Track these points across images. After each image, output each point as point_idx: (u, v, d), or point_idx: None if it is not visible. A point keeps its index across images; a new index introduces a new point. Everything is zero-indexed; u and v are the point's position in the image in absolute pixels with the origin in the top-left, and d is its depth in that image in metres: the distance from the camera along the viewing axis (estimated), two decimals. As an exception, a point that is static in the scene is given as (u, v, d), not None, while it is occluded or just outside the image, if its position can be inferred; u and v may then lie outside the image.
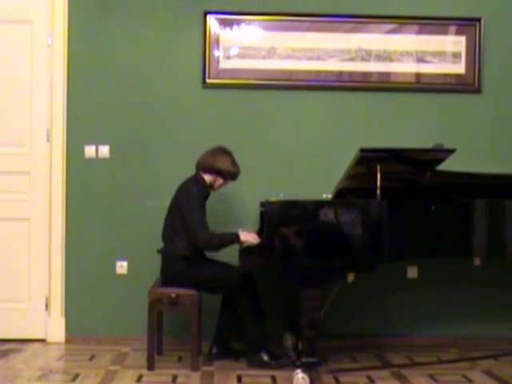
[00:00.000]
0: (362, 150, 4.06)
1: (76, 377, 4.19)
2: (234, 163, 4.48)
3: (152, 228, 4.75)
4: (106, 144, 4.98)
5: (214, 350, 4.56)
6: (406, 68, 5.07)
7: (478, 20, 5.06)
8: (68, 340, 4.95)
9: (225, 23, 5.00)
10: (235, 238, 4.31)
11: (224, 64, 5.01)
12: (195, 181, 4.46)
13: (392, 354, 4.78)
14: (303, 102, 5.05)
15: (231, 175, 4.49)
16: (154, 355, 4.37)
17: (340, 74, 5.05)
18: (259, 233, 4.47)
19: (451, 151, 4.25)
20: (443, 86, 5.09)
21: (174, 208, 4.45)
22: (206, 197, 4.49)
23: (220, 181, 4.49)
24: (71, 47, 4.95)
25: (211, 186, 4.51)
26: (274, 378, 4.20)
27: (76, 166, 4.97)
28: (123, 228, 4.98)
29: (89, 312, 4.97)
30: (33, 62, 4.95)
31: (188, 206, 4.34)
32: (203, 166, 4.48)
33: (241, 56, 5.01)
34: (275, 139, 5.04)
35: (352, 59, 5.04)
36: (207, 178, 4.48)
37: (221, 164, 4.44)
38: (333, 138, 5.05)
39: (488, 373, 4.41)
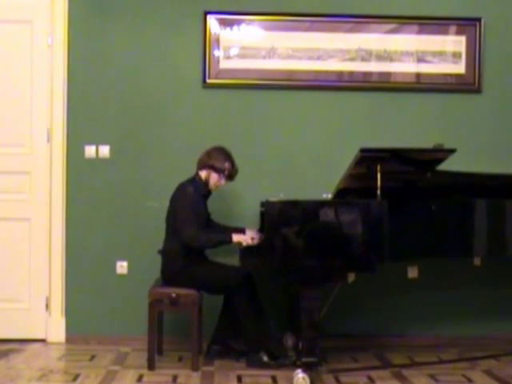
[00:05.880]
0: (363, 150, 4.06)
1: (76, 377, 4.19)
2: (228, 160, 4.49)
3: (152, 228, 4.76)
4: (106, 144, 4.98)
5: (214, 348, 4.55)
6: (406, 68, 5.06)
7: (478, 20, 5.05)
8: (68, 340, 4.95)
9: (225, 23, 4.99)
10: (227, 238, 4.33)
11: (224, 64, 5.00)
12: (192, 181, 4.50)
13: (392, 353, 4.78)
14: (303, 102, 5.05)
15: (224, 171, 4.48)
16: (154, 355, 4.37)
17: (340, 74, 5.05)
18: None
19: (451, 151, 4.25)
20: (443, 86, 5.09)
21: (170, 207, 4.49)
22: (205, 196, 4.53)
23: (214, 176, 4.48)
24: (71, 47, 4.95)
25: (208, 184, 4.52)
26: (274, 378, 4.20)
27: (76, 166, 4.97)
28: (123, 228, 4.98)
29: (89, 312, 4.97)
30: (33, 61, 4.95)
31: (179, 204, 4.39)
32: (199, 163, 4.53)
33: (241, 56, 5.01)
34: (275, 139, 5.03)
35: (352, 59, 5.04)
36: (203, 174, 4.50)
37: (214, 159, 4.47)
38: (333, 137, 5.05)
39: (488, 373, 4.41)
